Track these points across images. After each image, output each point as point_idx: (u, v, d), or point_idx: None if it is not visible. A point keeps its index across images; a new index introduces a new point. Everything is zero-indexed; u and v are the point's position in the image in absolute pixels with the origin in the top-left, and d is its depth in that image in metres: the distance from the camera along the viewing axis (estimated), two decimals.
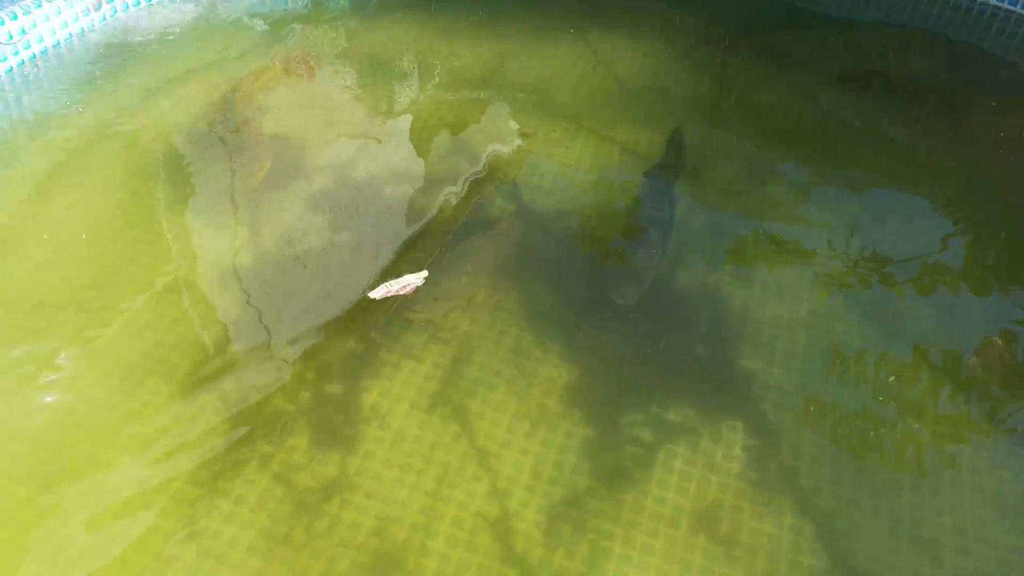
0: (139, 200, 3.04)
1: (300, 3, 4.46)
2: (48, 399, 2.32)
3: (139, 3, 4.11)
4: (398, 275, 2.68)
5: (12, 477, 2.14)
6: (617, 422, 2.42)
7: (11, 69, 3.60)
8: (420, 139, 3.54)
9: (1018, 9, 4.63)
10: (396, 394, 2.45)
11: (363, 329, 2.61)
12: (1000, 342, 2.70)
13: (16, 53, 3.58)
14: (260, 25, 4.21)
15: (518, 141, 3.53)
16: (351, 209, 3.09)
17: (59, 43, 3.78)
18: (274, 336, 2.59)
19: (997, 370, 2.64)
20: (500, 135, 3.57)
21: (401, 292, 2.60)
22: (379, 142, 3.50)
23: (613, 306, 2.79)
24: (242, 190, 3.10)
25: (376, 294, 2.60)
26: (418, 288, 2.64)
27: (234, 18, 4.23)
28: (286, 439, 2.30)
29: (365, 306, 2.69)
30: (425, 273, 2.65)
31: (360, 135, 3.52)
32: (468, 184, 3.27)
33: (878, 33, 4.69)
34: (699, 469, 2.32)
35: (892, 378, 2.60)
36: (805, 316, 2.79)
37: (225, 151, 3.31)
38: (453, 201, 3.17)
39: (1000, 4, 4.67)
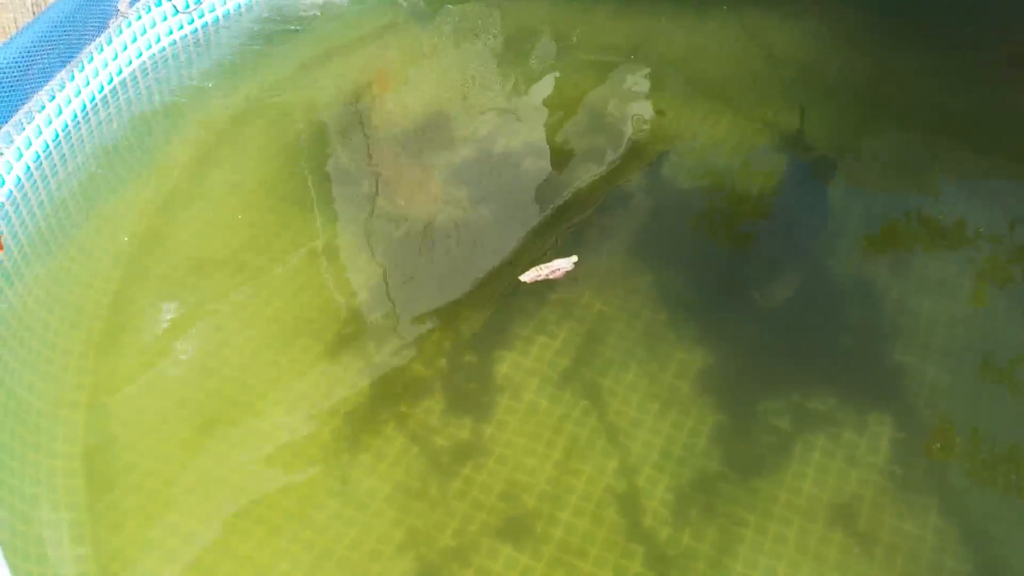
0: (292, 171, 3.20)
1: None
2: (208, 350, 2.50)
3: None
4: (542, 256, 2.71)
5: (176, 418, 2.33)
6: (753, 409, 2.37)
7: (185, 36, 3.81)
8: (561, 115, 3.54)
9: None
10: (528, 367, 2.49)
11: (499, 303, 2.67)
12: None
13: (191, 21, 3.82)
14: (407, 3, 4.31)
15: (661, 118, 3.48)
16: (491, 184, 3.15)
17: (228, 13, 3.98)
18: (413, 304, 2.69)
19: None
20: (642, 112, 3.53)
21: (551, 276, 2.66)
22: (519, 117, 3.54)
23: (752, 296, 2.72)
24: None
25: (526, 278, 2.66)
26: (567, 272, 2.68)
27: None
28: (422, 402, 2.39)
29: (501, 281, 2.74)
30: (575, 258, 2.69)
31: (501, 110, 3.57)
32: (608, 161, 3.26)
33: None
34: (839, 462, 2.24)
35: None
36: (963, 312, 2.63)
37: (366, 131, 3.44)
38: (592, 178, 3.17)
39: None
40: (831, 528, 2.10)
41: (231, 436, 2.28)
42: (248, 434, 2.29)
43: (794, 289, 2.75)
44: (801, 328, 2.61)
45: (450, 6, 4.21)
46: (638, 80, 3.73)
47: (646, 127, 3.44)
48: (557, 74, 3.80)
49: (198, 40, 3.84)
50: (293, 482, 2.19)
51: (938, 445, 2.26)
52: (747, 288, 2.76)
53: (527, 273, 2.67)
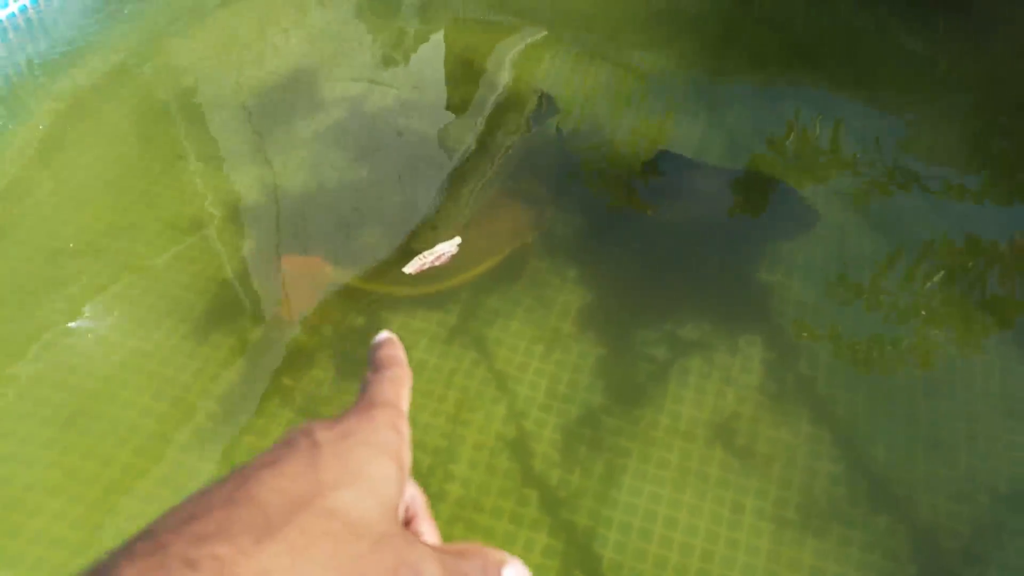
0: (151, 147, 3.04)
1: None
2: (67, 344, 2.37)
3: None
4: (428, 242, 2.65)
5: (40, 418, 2.20)
6: (631, 341, 2.41)
7: (13, 14, 3.57)
8: (433, 69, 3.47)
9: None
10: (416, 328, 2.46)
11: (382, 267, 2.62)
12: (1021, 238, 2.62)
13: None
14: None
15: (535, 65, 3.45)
16: (367, 144, 3.06)
17: None
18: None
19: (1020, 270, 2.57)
20: (516, 59, 3.49)
21: (436, 263, 2.59)
22: (390, 76, 3.44)
23: (628, 230, 2.75)
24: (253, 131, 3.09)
25: (410, 269, 2.59)
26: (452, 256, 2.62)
27: None
28: (309, 372, 2.33)
29: (383, 244, 2.68)
30: (458, 240, 2.62)
31: (371, 68, 3.46)
32: (483, 113, 3.21)
33: None
34: (715, 383, 2.31)
35: (906, 286, 2.54)
36: (822, 229, 2.73)
37: (237, 92, 3.28)
38: (466, 130, 3.12)
39: None
40: (711, 447, 2.17)
41: (94, 430, 2.17)
42: (114, 425, 2.18)
43: (666, 224, 2.79)
44: (674, 260, 2.65)
45: None
46: (509, 28, 3.68)
47: (521, 77, 3.40)
48: (427, 29, 3.71)
49: (37, 10, 3.58)
50: (165, 472, 2.11)
51: (804, 359, 2.36)
52: (622, 226, 2.78)
53: (410, 264, 2.60)
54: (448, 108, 3.26)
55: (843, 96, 3.31)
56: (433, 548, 0.45)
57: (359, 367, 2.35)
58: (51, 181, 2.89)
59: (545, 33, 3.62)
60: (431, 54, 3.57)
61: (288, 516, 0.39)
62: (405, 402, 0.53)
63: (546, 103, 3.23)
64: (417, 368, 2.35)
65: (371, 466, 0.45)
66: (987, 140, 3.15)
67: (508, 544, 2.01)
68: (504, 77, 3.37)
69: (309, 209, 2.81)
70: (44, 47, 3.48)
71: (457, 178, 2.93)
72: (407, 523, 0.53)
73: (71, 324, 2.43)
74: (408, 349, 2.33)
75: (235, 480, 0.42)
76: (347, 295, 2.53)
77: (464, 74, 3.41)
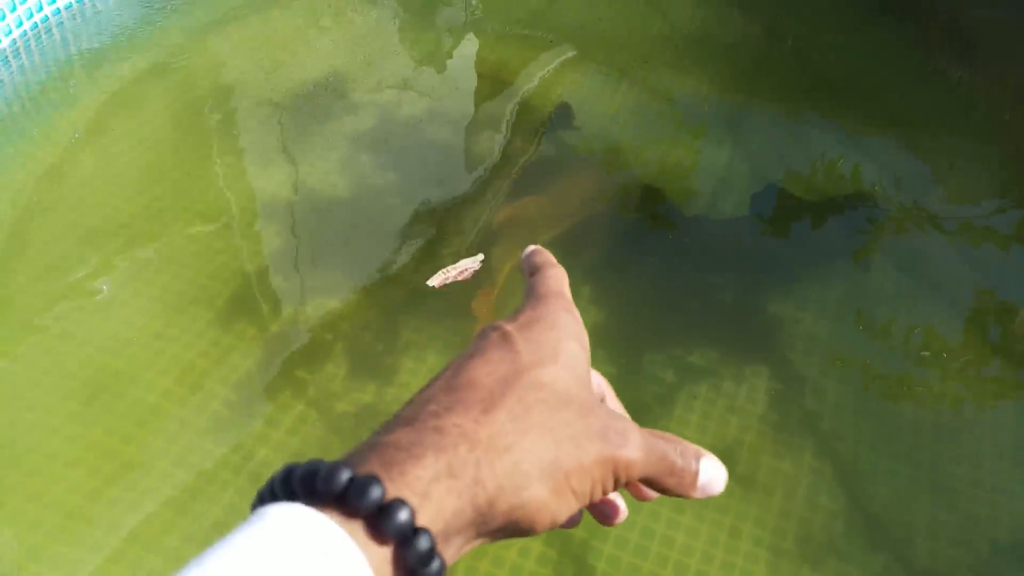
0: (190, 136, 3.13)
1: None
2: (93, 324, 2.45)
3: None
4: (452, 256, 2.70)
5: (63, 392, 2.28)
6: (640, 362, 2.45)
7: (70, 4, 3.69)
8: (466, 83, 3.54)
9: None
10: (431, 332, 2.51)
11: (402, 270, 2.68)
12: None
13: None
14: None
15: (562, 83, 3.51)
16: (396, 151, 3.13)
17: None
18: (316, 269, 2.67)
19: None
20: (544, 78, 3.55)
21: (459, 279, 2.62)
22: (423, 86, 3.51)
23: (646, 252, 2.79)
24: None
25: (434, 282, 2.62)
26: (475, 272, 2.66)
27: None
28: (324, 367, 2.39)
29: (405, 247, 2.74)
30: (481, 256, 2.64)
31: (404, 78, 3.53)
32: (509, 129, 3.27)
33: None
34: (720, 410, 2.34)
35: (919, 330, 2.56)
36: (839, 265, 2.75)
37: (271, 92, 3.37)
38: (492, 145, 3.18)
39: None
40: None
41: (116, 408, 2.24)
42: (133, 405, 2.25)
43: (682, 248, 2.83)
44: (689, 285, 2.69)
45: None
46: (540, 46, 3.75)
47: (549, 93, 3.46)
48: (461, 44, 3.78)
49: (92, 3, 3.70)
50: (180, 453, 2.17)
51: (810, 393, 2.39)
52: (640, 247, 2.82)
53: (434, 277, 2.64)
54: (477, 120, 3.32)
55: (871, 132, 3.33)
56: (633, 423, 0.51)
57: (372, 364, 2.41)
58: (91, 165, 2.99)
59: (577, 51, 3.68)
60: (463, 66, 3.64)
61: (504, 390, 0.46)
62: (568, 291, 0.59)
63: (566, 115, 3.28)
64: (431, 371, 2.40)
65: (561, 345, 0.50)
66: (1019, 185, 3.16)
67: (503, 547, 2.05)
68: (534, 93, 3.43)
69: (336, 211, 2.88)
70: (94, 38, 3.59)
71: (482, 188, 2.99)
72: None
73: (100, 299, 2.51)
74: (422, 351, 2.39)
75: (449, 371, 0.49)
76: (366, 293, 2.59)
77: (495, 88, 3.48)
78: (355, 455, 0.43)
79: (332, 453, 2.20)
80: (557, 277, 0.59)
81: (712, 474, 0.51)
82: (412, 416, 0.45)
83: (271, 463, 2.16)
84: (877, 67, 3.74)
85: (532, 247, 0.65)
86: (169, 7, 3.76)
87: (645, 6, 4.02)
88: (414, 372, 2.38)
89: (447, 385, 0.47)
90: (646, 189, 3.03)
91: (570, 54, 3.68)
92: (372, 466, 0.41)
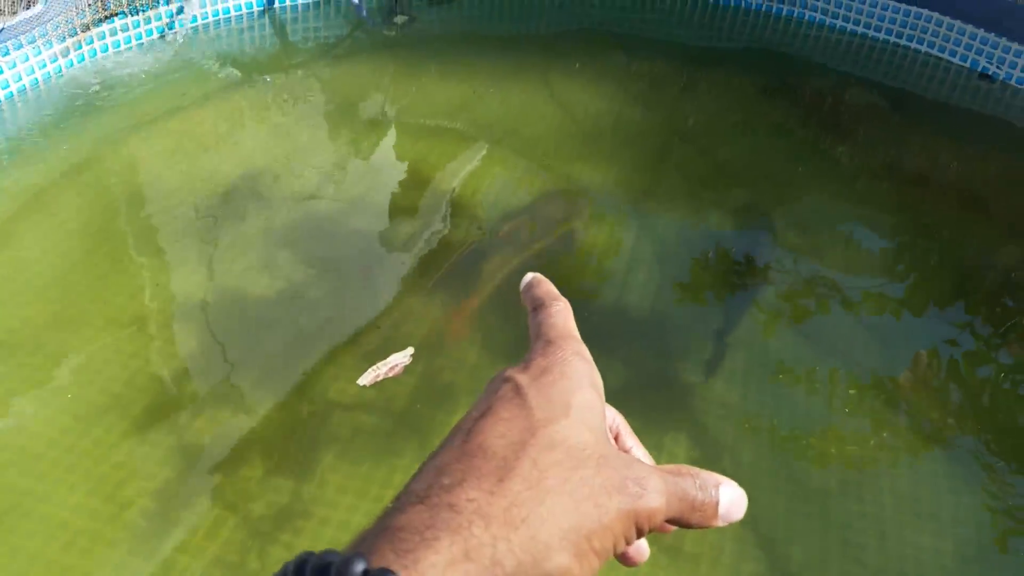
0: (104, 240, 3.10)
1: (268, 48, 4.58)
2: (1, 439, 2.36)
3: (107, 50, 4.23)
4: (378, 352, 2.68)
5: None
6: None
7: None
8: (385, 175, 3.63)
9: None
10: (351, 427, 2.50)
11: (323, 365, 2.68)
12: (926, 356, 2.81)
13: None
14: (228, 71, 4.32)
15: (479, 176, 3.64)
16: (317, 245, 3.17)
17: (24, 88, 3.85)
18: (234, 371, 2.65)
19: (923, 386, 2.75)
20: (463, 170, 3.68)
21: (391, 375, 2.59)
22: (342, 179, 3.60)
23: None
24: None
25: (364, 381, 2.58)
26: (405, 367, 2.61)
27: (201, 64, 4.34)
28: (240, 470, 2.35)
29: (326, 344, 2.75)
30: (411, 350, 2.62)
31: (325, 172, 3.61)
32: (432, 218, 3.36)
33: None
34: None
35: (820, 393, 2.70)
36: (744, 336, 2.89)
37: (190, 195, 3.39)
38: (418, 238, 3.25)
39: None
40: None
41: (24, 528, 2.14)
42: (44, 523, 2.16)
43: (599, 325, 2.92)
44: (606, 359, 2.78)
45: (268, 77, 4.26)
46: (458, 140, 3.90)
47: (467, 183, 3.59)
48: (382, 138, 3.91)
49: (11, 105, 3.69)
50: (89, 569, 2.08)
51: (727, 458, 2.47)
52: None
53: (364, 376, 2.60)
54: (398, 212, 3.41)
55: (767, 210, 3.56)
56: (650, 465, 0.49)
57: (290, 464, 2.38)
58: (0, 274, 2.92)
59: (494, 145, 3.84)
60: (384, 160, 3.75)
61: (518, 454, 0.44)
62: (575, 329, 0.56)
63: (485, 206, 3.40)
64: (353, 465, 2.38)
65: (574, 397, 0.49)
66: (905, 253, 3.40)
67: None
68: (454, 184, 3.55)
69: (255, 310, 2.88)
70: (5, 142, 3.56)
71: (406, 280, 3.05)
72: (614, 440, 0.56)
73: (8, 414, 2.43)
74: (343, 448, 2.37)
75: (460, 436, 0.46)
76: (285, 393, 2.57)
77: (415, 181, 3.59)
78: (367, 541, 0.41)
79: (250, 557, 2.15)
80: (563, 314, 0.57)
81: (732, 499, 0.49)
82: (425, 490, 0.43)
83: (191, 570, 2.09)
84: (770, 149, 4.02)
85: (531, 276, 0.61)
86: (84, 112, 3.78)
87: (555, 104, 4.24)
88: (333, 469, 2.36)
89: (460, 451, 0.45)
90: (560, 267, 3.15)
91: (487, 147, 3.83)
92: (385, 555, 0.39)
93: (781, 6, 5.24)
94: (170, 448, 2.38)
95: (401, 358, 2.57)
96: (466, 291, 2.99)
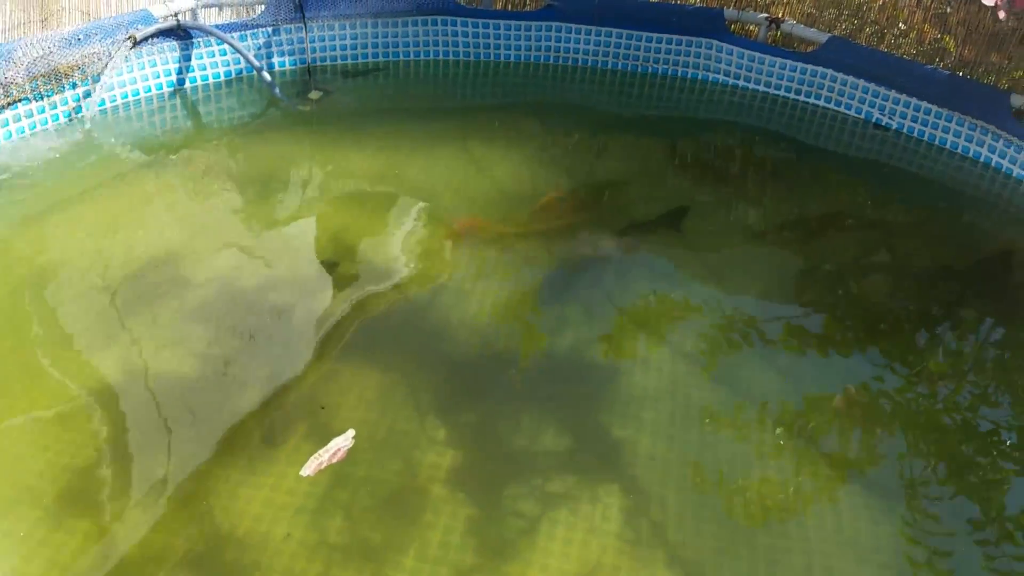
0: (9, 326, 2.99)
1: (180, 128, 4.58)
2: None
3: (10, 136, 4.17)
4: (307, 436, 2.61)
5: None
6: (500, 498, 2.48)
7: None
8: (301, 248, 3.62)
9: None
10: (281, 502, 2.43)
11: (243, 448, 2.61)
12: (853, 391, 2.92)
13: None
14: (139, 152, 4.30)
15: (405, 245, 3.66)
16: (234, 322, 3.12)
17: None
18: (150, 456, 2.55)
19: (848, 420, 2.84)
20: (385, 238, 3.69)
21: (334, 461, 2.53)
22: (255, 254, 3.57)
23: (493, 389, 2.89)
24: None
25: (307, 471, 2.48)
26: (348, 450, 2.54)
27: (111, 146, 4.30)
28: (158, 572, 2.24)
29: (248, 426, 2.69)
30: (352, 432, 2.56)
31: (239, 248, 3.58)
32: (351, 287, 3.36)
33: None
34: (580, 533, 2.39)
35: (744, 433, 2.76)
36: (667, 386, 2.95)
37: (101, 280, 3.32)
38: (338, 310, 3.23)
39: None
40: None
41: None
42: None
43: (528, 382, 2.94)
44: (539, 417, 2.79)
45: (181, 156, 4.25)
46: (378, 208, 3.93)
47: (391, 253, 3.60)
48: (300, 210, 3.91)
49: None
50: None
51: (655, 506, 2.50)
52: (486, 386, 2.92)
53: (307, 466, 2.50)
54: (318, 285, 3.38)
55: (683, 263, 3.67)
56: None
57: (210, 558, 2.28)
58: None
59: (417, 208, 3.88)
60: (303, 232, 3.74)
61: None
62: None
63: (409, 271, 3.41)
64: (274, 552, 2.31)
65: None
66: (815, 295, 3.54)
67: None
68: (376, 253, 3.56)
69: (171, 392, 2.79)
70: None
71: (328, 350, 3.01)
72: None
73: None
74: (264, 538, 2.27)
75: None
76: (204, 478, 2.48)
77: (335, 250, 3.58)
78: None
79: None
80: None
81: None
82: None
83: None
84: (678, 202, 4.16)
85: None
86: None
87: (475, 170, 4.33)
88: (260, 550, 2.28)
89: None
90: (485, 329, 3.17)
91: (412, 212, 3.87)
92: None
93: (687, 70, 5.53)
94: (86, 536, 2.27)
95: (342, 441, 2.51)
96: (391, 355, 2.98)
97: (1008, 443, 2.83)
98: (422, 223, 3.82)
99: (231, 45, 4.88)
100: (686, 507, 2.49)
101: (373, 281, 3.39)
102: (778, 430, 2.78)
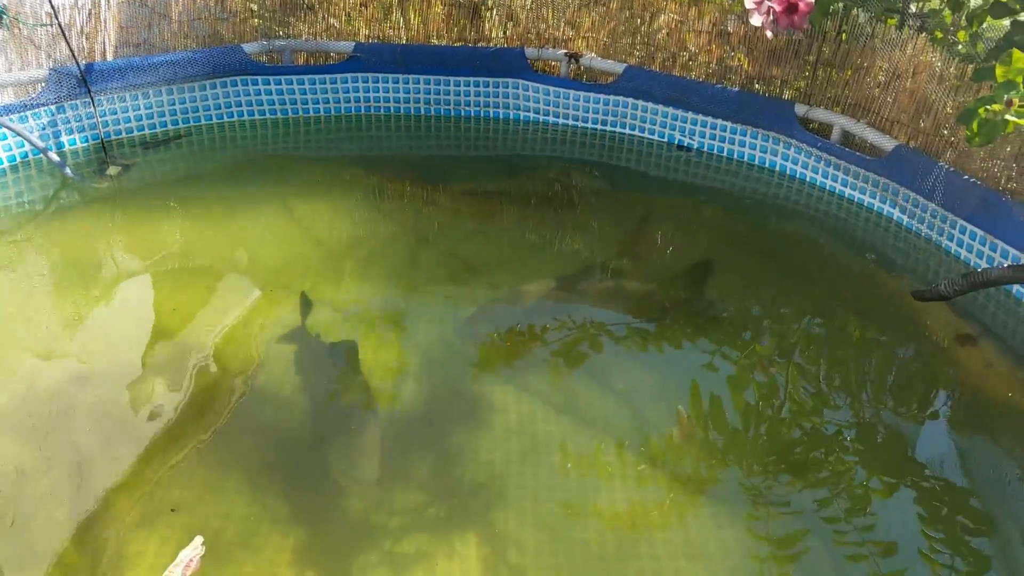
0: None
1: None
2: None
3: None
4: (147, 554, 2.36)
5: None
6: (350, 568, 2.35)
7: None
8: (122, 337, 3.33)
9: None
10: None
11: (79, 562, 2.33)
12: (684, 413, 3.01)
13: None
14: None
15: (226, 313, 3.45)
16: (39, 424, 2.80)
17: None
18: None
19: (689, 437, 2.93)
20: (221, 317, 3.45)
21: (188, 572, 2.29)
22: (69, 346, 3.24)
23: (339, 451, 2.77)
24: None
25: None
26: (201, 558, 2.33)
27: None
28: None
29: (70, 548, 2.41)
30: (200, 539, 2.35)
31: (43, 342, 3.23)
32: (187, 376, 3.10)
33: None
34: None
35: (590, 457, 2.79)
36: (509, 425, 2.93)
37: None
38: (166, 403, 2.97)
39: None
40: None
41: None
42: None
43: (379, 433, 2.84)
44: (384, 471, 2.69)
45: None
46: (195, 280, 3.70)
47: (228, 333, 3.36)
48: (107, 291, 3.61)
49: None
50: None
51: (513, 548, 2.45)
52: (335, 443, 2.79)
53: None
54: (141, 377, 3.08)
55: (508, 301, 3.70)
56: None
57: None
58: None
59: (258, 288, 3.67)
60: (123, 318, 3.44)
61: None
62: None
63: (252, 356, 3.20)
64: None
65: None
66: (645, 314, 3.65)
67: None
68: (210, 335, 3.30)
69: None
70: None
71: (159, 448, 2.75)
72: None
73: None
74: None
75: None
76: None
77: (152, 332, 3.31)
78: None
79: None
80: None
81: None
82: None
83: None
84: (503, 242, 4.23)
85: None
86: None
87: (303, 236, 4.15)
88: None
89: None
90: (324, 396, 3.03)
91: (253, 291, 3.65)
92: None
93: (498, 111, 5.66)
94: None
95: (191, 551, 2.31)
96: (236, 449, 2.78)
97: (840, 433, 3.02)
98: (245, 293, 3.62)
99: (9, 128, 4.49)
100: (541, 543, 2.45)
101: (201, 363, 3.15)
102: (621, 456, 2.82)
